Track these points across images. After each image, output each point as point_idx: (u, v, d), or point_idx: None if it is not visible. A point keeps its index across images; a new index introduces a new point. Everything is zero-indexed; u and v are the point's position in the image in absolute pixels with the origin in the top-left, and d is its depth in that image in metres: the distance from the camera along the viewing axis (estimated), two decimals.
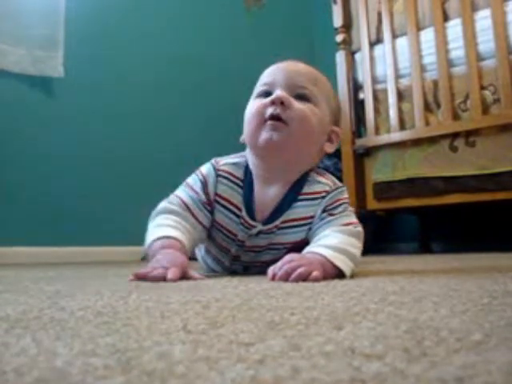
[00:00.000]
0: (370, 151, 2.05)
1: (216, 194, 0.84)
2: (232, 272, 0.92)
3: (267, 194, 0.82)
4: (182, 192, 0.85)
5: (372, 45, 2.08)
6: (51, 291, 0.57)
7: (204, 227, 0.85)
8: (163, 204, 0.84)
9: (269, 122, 0.79)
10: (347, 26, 2.16)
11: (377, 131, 2.04)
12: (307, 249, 0.75)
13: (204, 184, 0.84)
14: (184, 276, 0.69)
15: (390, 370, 0.21)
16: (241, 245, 0.85)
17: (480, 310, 0.36)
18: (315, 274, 0.64)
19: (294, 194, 0.82)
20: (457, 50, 1.85)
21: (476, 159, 1.79)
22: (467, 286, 0.54)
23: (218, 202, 0.84)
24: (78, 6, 2.10)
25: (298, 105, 0.79)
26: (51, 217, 1.94)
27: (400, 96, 1.98)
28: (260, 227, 0.82)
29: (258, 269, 0.87)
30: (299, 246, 0.80)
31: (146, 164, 2.19)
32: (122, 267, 1.28)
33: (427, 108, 1.92)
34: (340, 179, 2.10)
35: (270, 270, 0.68)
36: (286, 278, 0.65)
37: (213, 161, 0.86)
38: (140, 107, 2.22)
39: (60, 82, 2.01)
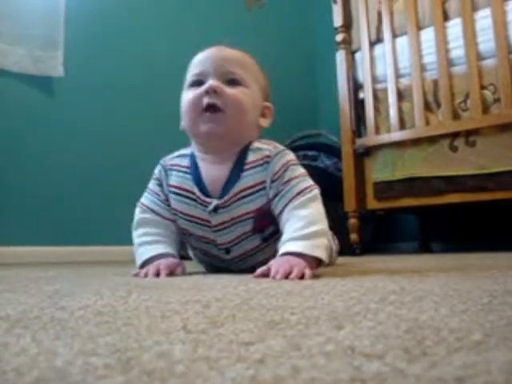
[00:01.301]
0: (370, 151, 2.05)
1: (169, 185, 0.91)
2: (223, 261, 0.93)
3: (215, 172, 0.88)
4: (145, 199, 0.94)
5: (372, 44, 2.08)
6: (51, 291, 0.57)
7: (174, 222, 0.92)
8: (138, 215, 0.93)
9: (207, 114, 0.84)
10: (347, 25, 2.16)
11: (377, 131, 2.04)
12: (282, 248, 0.77)
13: (160, 184, 0.92)
14: (172, 272, 0.82)
15: (390, 370, 0.21)
16: (208, 225, 0.88)
17: (480, 310, 0.36)
18: (307, 272, 0.69)
19: (240, 165, 0.87)
20: (457, 49, 1.85)
21: (476, 159, 1.79)
22: (467, 285, 0.54)
23: (173, 192, 0.90)
24: (77, 6, 2.10)
25: (230, 90, 0.85)
26: (51, 216, 1.94)
27: (400, 95, 1.98)
28: (216, 202, 0.86)
29: (245, 260, 0.92)
30: (263, 214, 0.86)
31: (146, 164, 2.19)
32: (121, 267, 1.28)
33: (427, 107, 1.92)
34: (340, 179, 2.12)
35: (259, 270, 0.72)
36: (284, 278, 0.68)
37: (161, 161, 0.94)
38: (140, 107, 2.21)
39: (60, 81, 2.01)
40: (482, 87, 1.79)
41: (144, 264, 0.87)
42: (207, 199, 0.87)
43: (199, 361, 0.23)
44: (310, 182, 0.85)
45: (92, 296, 0.50)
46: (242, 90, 0.86)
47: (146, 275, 0.81)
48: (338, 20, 2.16)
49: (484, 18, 1.79)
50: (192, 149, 0.92)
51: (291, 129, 2.70)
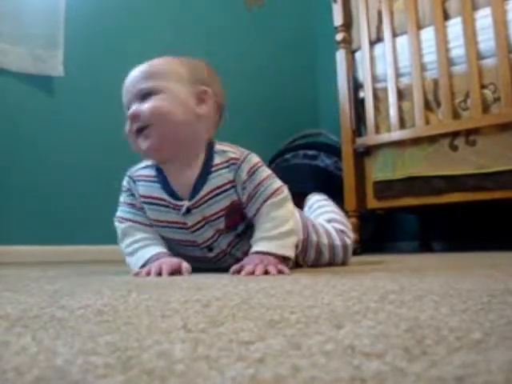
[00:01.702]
0: (370, 150, 2.05)
1: (140, 196, 0.93)
2: (209, 261, 0.95)
3: (183, 176, 0.90)
4: (121, 212, 0.95)
5: (372, 44, 2.08)
6: (51, 290, 0.57)
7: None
8: (119, 227, 0.94)
9: (139, 136, 0.88)
10: (347, 24, 2.16)
11: (377, 130, 2.04)
12: (254, 246, 0.85)
13: (132, 194, 0.94)
14: (177, 271, 0.82)
15: (390, 369, 0.21)
16: (184, 227, 0.91)
17: (480, 309, 0.36)
18: (271, 269, 0.78)
19: (207, 167, 0.90)
20: (457, 48, 1.85)
21: (476, 158, 1.79)
22: (467, 284, 0.54)
23: (144, 202, 0.92)
24: (77, 6, 2.10)
25: (144, 106, 0.87)
26: (51, 215, 1.94)
27: (400, 95, 1.98)
28: (187, 203, 0.89)
29: (225, 256, 0.94)
30: (233, 212, 0.89)
31: None
32: (122, 266, 1.28)
33: (427, 107, 1.92)
34: (340, 178, 2.12)
35: (233, 268, 0.81)
36: (251, 274, 0.77)
37: (128, 173, 0.96)
38: None
39: (60, 81, 2.01)
40: (482, 86, 1.78)
41: (144, 265, 0.86)
42: (178, 202, 0.89)
43: (199, 360, 0.23)
44: (278, 182, 0.91)
45: (92, 295, 0.50)
46: (156, 98, 0.87)
47: (148, 274, 0.81)
48: (338, 19, 2.16)
49: (484, 17, 1.79)
50: None
51: (291, 128, 2.70)
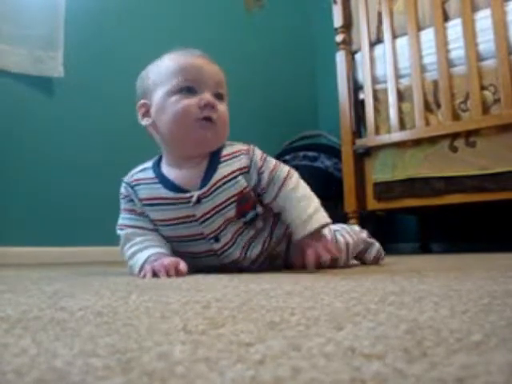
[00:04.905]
0: (370, 151, 2.05)
1: (141, 200, 0.93)
2: (212, 255, 0.94)
3: (189, 172, 0.92)
4: (122, 220, 0.96)
5: (372, 45, 2.08)
6: (51, 291, 0.57)
7: (157, 231, 0.94)
8: (121, 234, 0.94)
9: (203, 122, 0.90)
10: (347, 26, 2.16)
11: (377, 131, 2.04)
12: (301, 229, 0.89)
13: (131, 199, 0.94)
14: (177, 270, 0.83)
15: (390, 371, 0.21)
16: (193, 219, 0.91)
17: (480, 311, 0.36)
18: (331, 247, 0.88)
19: (216, 158, 0.93)
20: (457, 50, 1.85)
21: (476, 159, 1.79)
22: (467, 286, 0.54)
23: (147, 204, 0.93)
24: (77, 6, 2.10)
25: (221, 107, 0.92)
26: (51, 217, 1.94)
27: (400, 96, 1.98)
28: (197, 193, 0.90)
29: (231, 247, 0.94)
30: (245, 198, 0.91)
31: None
32: (122, 267, 1.28)
33: (427, 108, 1.92)
34: (340, 179, 2.12)
35: (309, 263, 0.86)
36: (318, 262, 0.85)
37: (124, 179, 0.97)
38: None
39: (60, 81, 2.01)
40: (482, 88, 1.79)
41: (142, 267, 0.87)
42: (186, 195, 0.90)
43: (199, 361, 0.23)
44: (285, 165, 0.96)
45: (92, 297, 0.50)
46: (225, 107, 0.95)
47: (144, 277, 0.82)
48: (337, 20, 2.16)
49: (484, 19, 1.79)
50: (152, 161, 0.97)
51: (291, 129, 2.70)
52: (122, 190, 0.96)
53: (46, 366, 0.22)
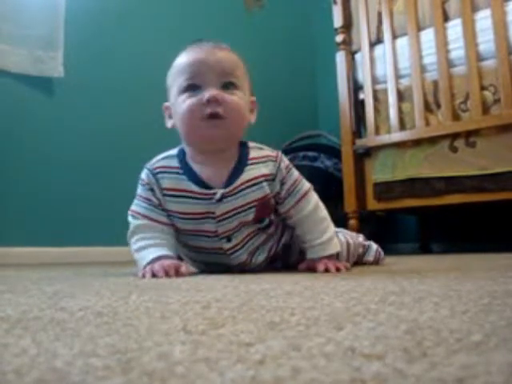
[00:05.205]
0: (370, 151, 2.05)
1: (162, 189, 0.90)
2: (221, 254, 0.94)
3: (215, 168, 0.91)
4: (136, 206, 0.93)
5: (372, 45, 2.08)
6: (51, 291, 0.57)
7: (170, 225, 0.92)
8: (132, 222, 0.92)
9: (209, 121, 0.86)
10: (347, 26, 2.16)
11: (377, 131, 2.04)
12: (317, 251, 0.93)
13: (151, 188, 0.91)
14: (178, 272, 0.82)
15: (390, 371, 0.21)
16: (211, 216, 0.90)
17: (480, 311, 0.36)
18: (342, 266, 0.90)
19: (244, 160, 0.92)
20: (457, 50, 1.85)
21: (476, 160, 1.79)
22: (467, 286, 0.54)
23: (169, 195, 0.90)
24: (77, 6, 2.10)
25: (229, 97, 0.87)
26: (51, 217, 1.94)
27: (400, 96, 1.98)
28: (222, 191, 0.89)
29: (242, 248, 0.94)
30: (265, 204, 0.92)
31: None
32: (122, 267, 1.28)
33: (427, 108, 1.92)
34: (340, 180, 2.12)
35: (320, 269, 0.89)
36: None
37: (146, 165, 0.93)
38: (140, 107, 2.21)
39: (60, 81, 2.01)
40: (482, 88, 1.79)
41: (145, 267, 0.86)
42: (210, 191, 0.89)
43: (199, 362, 0.23)
44: (306, 181, 0.97)
45: (92, 297, 0.50)
46: (239, 95, 0.89)
47: (143, 277, 0.81)
48: (338, 21, 2.16)
49: (484, 19, 1.79)
50: (177, 149, 0.94)
51: (291, 129, 2.70)
52: (143, 176, 0.93)
53: (46, 366, 0.22)
